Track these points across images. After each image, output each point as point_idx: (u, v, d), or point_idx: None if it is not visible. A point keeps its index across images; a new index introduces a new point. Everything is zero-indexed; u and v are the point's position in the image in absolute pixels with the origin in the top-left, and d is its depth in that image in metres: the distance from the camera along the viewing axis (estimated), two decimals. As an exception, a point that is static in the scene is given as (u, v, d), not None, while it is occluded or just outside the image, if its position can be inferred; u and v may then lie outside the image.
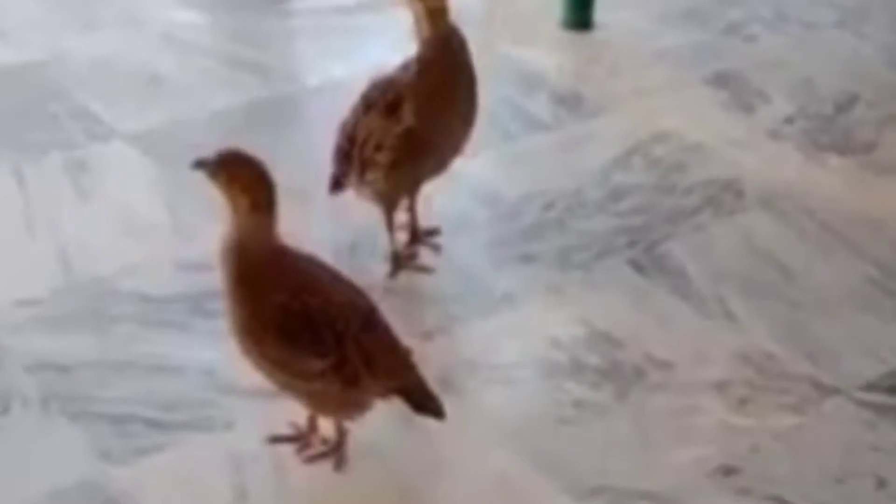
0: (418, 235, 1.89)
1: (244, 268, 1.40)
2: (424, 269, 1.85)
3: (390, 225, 1.82)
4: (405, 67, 1.73)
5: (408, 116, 1.70)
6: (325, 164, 1.82)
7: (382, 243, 1.85)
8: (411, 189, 1.83)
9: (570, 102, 2.27)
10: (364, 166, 1.74)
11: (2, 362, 1.65)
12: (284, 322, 1.40)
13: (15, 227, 1.91)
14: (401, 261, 1.84)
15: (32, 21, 2.47)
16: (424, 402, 1.49)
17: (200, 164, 1.41)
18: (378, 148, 1.72)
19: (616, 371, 1.69)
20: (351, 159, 1.75)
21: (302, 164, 1.94)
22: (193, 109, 2.21)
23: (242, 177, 1.39)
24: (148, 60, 2.34)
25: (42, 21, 2.47)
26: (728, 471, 1.55)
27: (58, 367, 1.65)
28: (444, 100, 1.71)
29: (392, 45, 2.19)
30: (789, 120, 2.26)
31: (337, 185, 1.81)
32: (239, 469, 1.52)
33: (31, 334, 1.71)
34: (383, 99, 1.72)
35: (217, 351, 1.65)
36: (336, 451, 1.53)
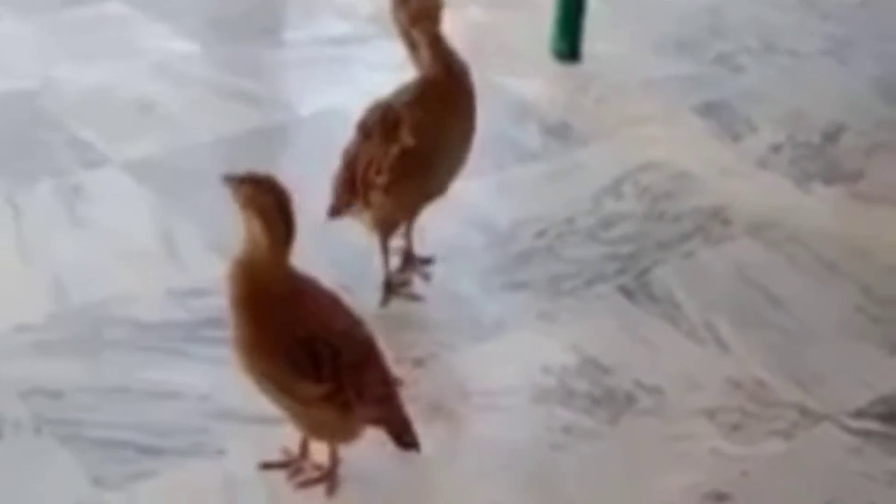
0: (413, 261, 1.90)
1: (253, 292, 1.41)
2: (416, 298, 1.86)
3: (385, 251, 1.83)
4: (403, 90, 1.74)
5: (405, 137, 1.71)
6: (317, 191, 1.83)
7: (375, 272, 1.86)
8: (410, 212, 1.83)
9: (560, 132, 2.30)
10: (366, 190, 1.75)
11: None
12: (289, 347, 1.41)
13: (9, 253, 1.92)
14: (393, 289, 1.85)
15: (25, 49, 2.48)
16: (403, 434, 1.50)
17: (228, 180, 1.41)
18: (378, 171, 1.73)
19: (607, 397, 1.70)
20: (354, 188, 1.76)
21: (295, 191, 1.94)
22: (187, 138, 2.22)
23: (262, 201, 1.39)
24: (141, 89, 2.35)
25: (35, 49, 2.48)
26: (719, 497, 1.56)
27: (51, 393, 1.65)
28: (444, 119, 1.72)
29: (382, 74, 2.21)
30: (777, 149, 2.29)
31: (335, 212, 1.82)
32: (232, 495, 1.53)
33: (24, 360, 1.71)
34: (381, 123, 1.73)
35: (211, 377, 1.66)
36: (328, 477, 1.54)
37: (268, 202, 1.39)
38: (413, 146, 1.71)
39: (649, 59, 2.56)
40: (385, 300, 1.84)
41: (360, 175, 1.75)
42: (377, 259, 1.84)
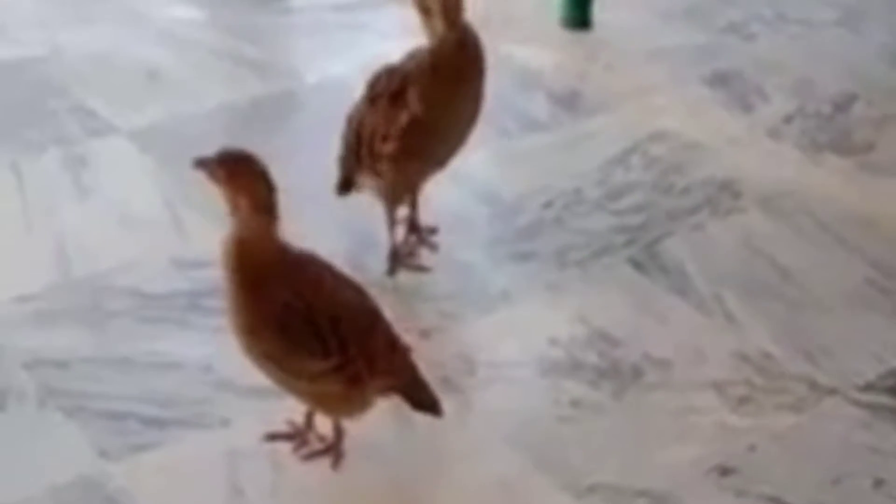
0: (418, 230, 1.88)
1: (246, 267, 1.40)
2: (422, 269, 1.85)
3: (392, 221, 1.82)
4: (412, 56, 1.71)
5: (413, 104, 1.68)
6: (323, 160, 1.82)
7: (381, 242, 1.84)
8: (416, 182, 1.81)
9: (568, 101, 2.27)
10: (372, 160, 1.73)
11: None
12: (287, 322, 1.40)
13: (13, 223, 1.91)
14: (399, 259, 1.84)
15: (30, 17, 2.46)
16: (423, 399, 1.49)
17: (201, 163, 1.41)
18: (384, 139, 1.71)
19: (614, 370, 1.69)
20: (360, 155, 1.74)
21: (301, 160, 1.93)
22: (192, 105, 2.20)
23: (242, 177, 1.38)
24: (146, 56, 2.34)
25: (40, 17, 2.46)
26: (725, 470, 1.55)
27: (55, 364, 1.65)
28: (453, 88, 1.70)
29: (391, 41, 2.19)
30: (787, 119, 2.26)
31: (345, 186, 1.80)
32: (235, 466, 1.52)
33: (27, 330, 1.71)
34: (388, 88, 1.70)
35: (214, 348, 1.65)
36: (333, 449, 1.53)
37: (247, 176, 1.38)
38: (421, 115, 1.68)
39: (659, 27, 2.53)
40: (392, 270, 1.83)
41: (366, 142, 1.73)
42: (383, 230, 1.83)
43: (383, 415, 1.53)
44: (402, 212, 1.87)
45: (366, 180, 1.77)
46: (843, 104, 2.31)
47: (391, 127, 1.70)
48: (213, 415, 1.59)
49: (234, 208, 1.39)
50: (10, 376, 1.63)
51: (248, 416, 1.58)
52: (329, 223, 1.86)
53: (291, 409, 1.55)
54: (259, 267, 1.40)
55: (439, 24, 1.68)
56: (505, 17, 2.49)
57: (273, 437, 1.55)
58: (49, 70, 2.29)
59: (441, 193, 1.90)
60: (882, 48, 2.50)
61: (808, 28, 2.56)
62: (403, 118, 1.69)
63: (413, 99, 1.68)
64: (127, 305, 1.75)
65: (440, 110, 1.70)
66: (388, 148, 1.71)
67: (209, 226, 1.87)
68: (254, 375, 1.49)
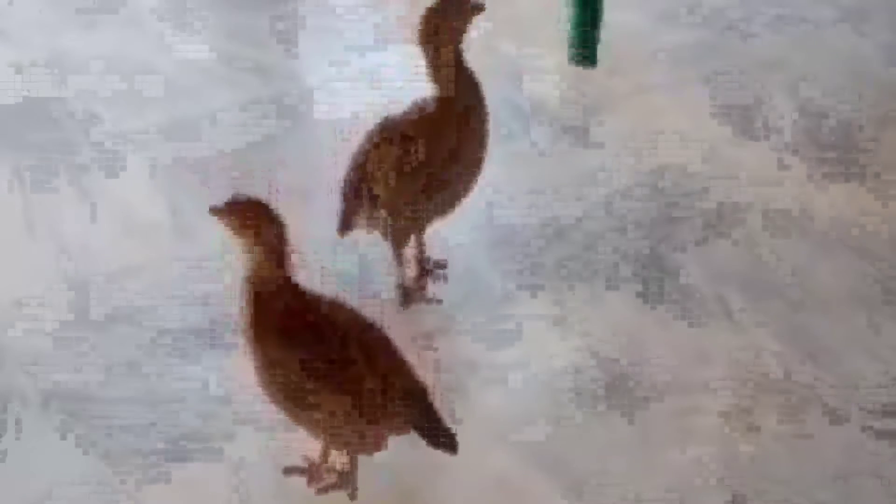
0: (426, 268, 1.87)
1: (263, 309, 1.42)
2: (433, 301, 1.83)
3: (399, 260, 1.80)
4: (417, 106, 1.72)
5: (418, 153, 1.70)
6: (333, 199, 1.79)
7: (390, 275, 1.82)
8: (420, 226, 1.81)
9: (575, 133, 2.24)
10: (374, 203, 1.74)
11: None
12: (305, 359, 1.41)
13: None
14: (410, 294, 1.83)
15: (33, 21, 2.46)
16: (439, 436, 1.47)
17: (216, 212, 1.42)
18: (387, 183, 1.71)
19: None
20: (360, 195, 1.75)
21: (312, 199, 1.92)
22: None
23: (254, 224, 1.40)
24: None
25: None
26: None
27: (75, 398, 1.63)
28: (456, 140, 1.71)
29: (401, 84, 2.18)
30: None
31: (346, 225, 1.79)
32: (251, 499, 1.52)
33: (47, 364, 1.68)
34: (395, 136, 1.71)
35: (234, 383, 1.64)
36: (348, 482, 1.53)
37: (259, 223, 1.40)
38: (425, 163, 1.69)
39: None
40: (404, 304, 1.81)
41: (367, 185, 1.72)
42: (393, 266, 1.80)
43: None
44: (411, 250, 1.85)
45: (368, 222, 1.77)
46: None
47: (397, 175, 1.70)
48: (231, 449, 1.58)
49: (247, 251, 1.42)
50: (28, 405, 1.61)
51: (266, 450, 1.57)
52: (337, 258, 1.85)
53: (306, 443, 1.53)
54: (275, 307, 1.42)
55: (445, 75, 1.68)
56: (514, 52, 2.46)
57: (290, 470, 1.55)
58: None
59: (449, 223, 1.86)
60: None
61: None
62: (409, 167, 1.70)
63: (419, 148, 1.69)
64: (148, 341, 1.73)
65: (443, 160, 1.70)
66: (389, 193, 1.71)
67: (211, 228, 1.87)
68: (272, 410, 1.48)
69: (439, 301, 1.82)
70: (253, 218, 1.40)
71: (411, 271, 1.84)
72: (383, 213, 1.73)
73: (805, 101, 2.30)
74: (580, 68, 2.37)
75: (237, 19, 2.49)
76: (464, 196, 1.77)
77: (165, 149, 2.09)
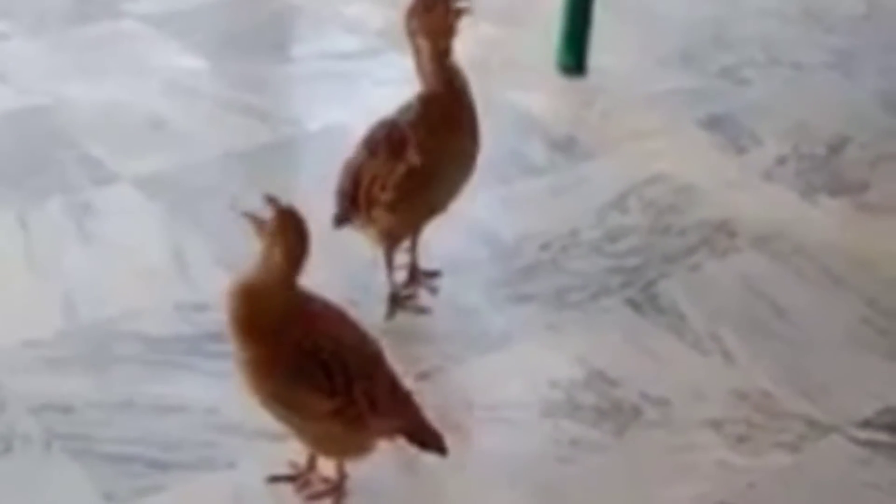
0: (418, 276, 1.91)
1: (258, 308, 1.42)
2: (422, 311, 1.87)
3: (390, 265, 1.84)
4: (407, 108, 1.75)
5: (412, 156, 1.72)
6: (324, 205, 1.84)
7: (379, 284, 1.87)
8: (413, 228, 1.85)
9: (565, 146, 2.31)
10: (369, 206, 1.77)
11: (5, 403, 1.67)
12: (295, 361, 1.42)
13: (19, 269, 1.93)
14: (399, 302, 1.86)
15: (36, 66, 2.50)
16: (427, 440, 1.51)
17: (250, 215, 1.43)
18: (383, 188, 1.74)
19: (613, 409, 1.71)
20: (356, 202, 1.78)
21: (303, 206, 1.95)
22: (196, 154, 2.24)
23: (289, 231, 1.41)
24: (151, 106, 2.37)
25: (46, 66, 2.50)
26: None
27: (60, 408, 1.67)
28: (448, 137, 1.74)
29: (391, 90, 2.22)
30: (782, 161, 2.29)
31: (340, 220, 1.83)
32: (241, 508, 1.54)
33: (34, 375, 1.72)
34: (387, 141, 1.74)
35: (219, 391, 1.67)
36: (336, 491, 1.55)
37: (291, 233, 1.41)
38: (418, 165, 1.72)
39: (654, 72, 2.57)
40: (391, 313, 1.85)
41: (364, 190, 1.76)
42: (382, 272, 1.85)
43: (385, 455, 1.54)
44: (403, 257, 1.89)
45: (362, 225, 1.80)
46: (836, 146, 2.34)
47: (389, 177, 1.74)
48: (218, 457, 1.60)
49: (266, 257, 1.42)
50: (17, 420, 1.64)
51: (253, 459, 1.59)
52: (328, 265, 1.88)
53: (294, 451, 1.56)
54: (270, 308, 1.42)
55: (429, 70, 1.72)
56: (503, 64, 2.53)
57: (276, 478, 1.57)
58: (55, 120, 2.32)
59: (440, 236, 1.93)
60: (874, 90, 2.54)
61: (800, 71, 2.60)
62: (401, 168, 1.73)
63: (411, 152, 1.72)
64: (132, 350, 1.77)
65: (435, 159, 1.73)
66: (386, 197, 1.74)
67: (215, 271, 1.90)
68: (258, 418, 1.51)
69: (428, 311, 1.84)
70: (290, 225, 1.41)
71: (401, 278, 1.87)
72: (380, 217, 1.75)
73: (798, 144, 2.33)
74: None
75: (241, 66, 2.53)
76: (458, 192, 1.80)
77: (170, 193, 2.12)
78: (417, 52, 1.72)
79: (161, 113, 2.35)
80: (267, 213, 1.42)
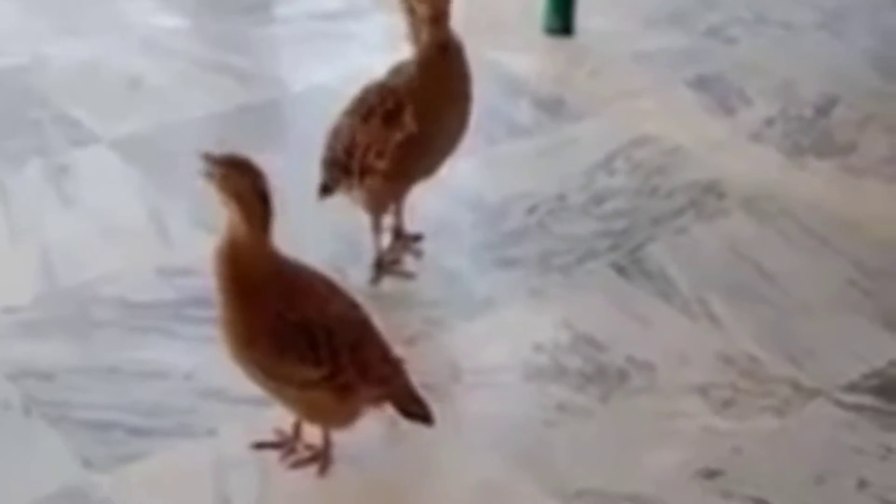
0: (403, 238, 1.89)
1: (239, 273, 1.39)
2: (407, 275, 1.85)
3: (378, 229, 1.82)
4: (398, 72, 1.72)
5: (409, 123, 1.69)
6: (307, 168, 1.82)
7: (365, 250, 1.85)
8: (403, 192, 1.82)
9: (552, 107, 2.28)
10: (363, 173, 1.74)
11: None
12: (280, 330, 1.40)
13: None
14: (384, 267, 1.84)
15: (13, 26, 2.46)
16: (414, 409, 1.50)
17: (205, 158, 1.39)
18: (379, 155, 1.71)
19: (599, 374, 1.70)
20: (349, 169, 1.75)
21: (285, 168, 1.93)
22: (175, 115, 2.21)
23: (234, 181, 1.37)
24: (130, 66, 2.34)
25: (23, 26, 2.46)
26: (711, 473, 1.56)
27: (40, 374, 1.65)
28: (444, 103, 1.71)
29: (376, 51, 2.20)
30: (769, 122, 2.27)
31: (326, 190, 1.81)
32: (223, 476, 1.52)
33: (12, 341, 1.70)
34: (382, 107, 1.71)
35: (200, 357, 1.65)
36: (321, 458, 1.53)
37: (243, 185, 1.37)
38: (416, 132, 1.69)
39: (641, 32, 2.54)
40: (376, 279, 1.83)
41: (358, 158, 1.73)
42: (367, 237, 1.83)
43: (371, 422, 1.53)
44: (387, 220, 1.87)
45: (352, 191, 1.78)
46: (824, 107, 2.32)
47: (386, 144, 1.71)
48: (200, 424, 1.59)
49: (229, 213, 1.39)
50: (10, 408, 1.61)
51: (235, 425, 1.58)
52: (313, 231, 1.86)
53: (279, 418, 1.55)
54: (251, 274, 1.40)
55: (425, 34, 1.68)
56: (489, 24, 2.50)
57: (260, 445, 1.55)
58: (32, 80, 2.28)
59: (426, 200, 1.91)
60: (862, 50, 2.52)
61: (788, 31, 2.58)
62: (398, 136, 1.70)
63: (408, 118, 1.69)
64: (112, 315, 1.75)
65: (431, 125, 1.71)
66: (382, 164, 1.71)
67: (194, 234, 1.88)
68: (241, 384, 1.49)
69: (413, 275, 1.83)
70: (236, 175, 1.36)
71: (385, 242, 1.86)
72: (374, 184, 1.72)
73: (786, 105, 2.32)
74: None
75: (222, 26, 2.49)
76: (449, 155, 1.77)
77: (149, 154, 2.09)
78: (411, 13, 1.69)
79: (139, 73, 2.31)
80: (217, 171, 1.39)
